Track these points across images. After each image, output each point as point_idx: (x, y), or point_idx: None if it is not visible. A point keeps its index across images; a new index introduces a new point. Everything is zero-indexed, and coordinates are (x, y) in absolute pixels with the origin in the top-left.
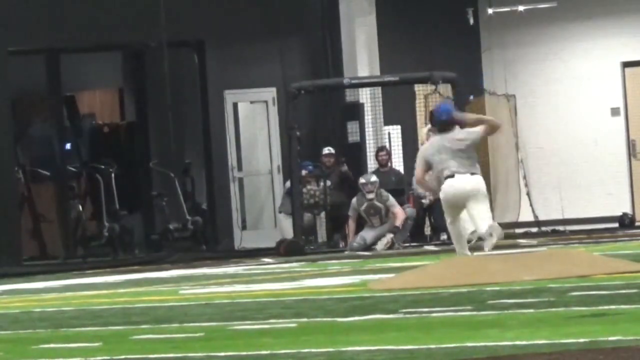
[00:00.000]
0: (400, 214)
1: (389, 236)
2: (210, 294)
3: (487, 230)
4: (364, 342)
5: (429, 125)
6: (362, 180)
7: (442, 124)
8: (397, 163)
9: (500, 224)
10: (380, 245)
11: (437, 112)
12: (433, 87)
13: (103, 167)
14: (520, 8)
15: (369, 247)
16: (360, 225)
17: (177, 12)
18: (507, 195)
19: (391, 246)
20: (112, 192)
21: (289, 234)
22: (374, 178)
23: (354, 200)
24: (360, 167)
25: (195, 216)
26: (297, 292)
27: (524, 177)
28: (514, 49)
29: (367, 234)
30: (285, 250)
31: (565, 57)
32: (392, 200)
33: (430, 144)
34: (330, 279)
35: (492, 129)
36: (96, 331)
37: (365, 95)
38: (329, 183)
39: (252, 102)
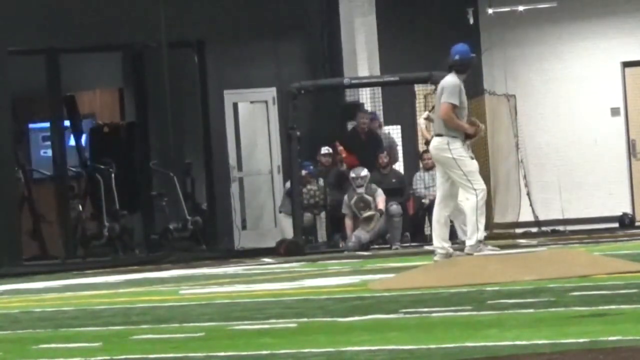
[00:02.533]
0: (381, 201)
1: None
2: (210, 294)
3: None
4: (364, 342)
5: (426, 113)
6: (352, 174)
7: (456, 64)
8: (397, 163)
9: (500, 224)
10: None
11: (454, 50)
12: (433, 87)
13: (103, 167)
14: (520, 8)
15: (364, 246)
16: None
17: (177, 12)
18: (507, 195)
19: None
20: (112, 192)
21: (289, 234)
22: (364, 172)
23: (346, 196)
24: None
25: (195, 216)
26: (297, 292)
27: (524, 177)
28: (514, 49)
29: (362, 234)
30: (285, 250)
31: (565, 57)
32: (379, 191)
33: (459, 83)
34: (330, 279)
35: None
36: (96, 331)
37: (365, 95)
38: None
39: (252, 102)
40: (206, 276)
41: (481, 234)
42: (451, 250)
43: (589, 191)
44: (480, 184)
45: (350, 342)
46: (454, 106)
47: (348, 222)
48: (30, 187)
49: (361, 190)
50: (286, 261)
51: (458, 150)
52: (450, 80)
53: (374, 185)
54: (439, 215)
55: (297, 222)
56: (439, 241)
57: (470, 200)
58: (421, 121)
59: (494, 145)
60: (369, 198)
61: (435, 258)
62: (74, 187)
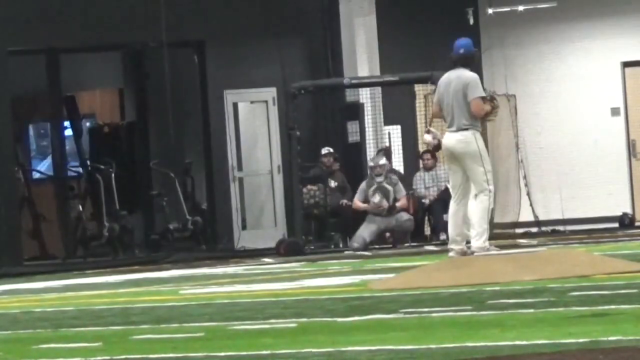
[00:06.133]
0: (404, 201)
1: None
2: (210, 294)
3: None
4: (364, 342)
5: (429, 131)
6: (371, 163)
7: (461, 58)
8: (397, 163)
9: (500, 224)
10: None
11: (458, 44)
12: (433, 87)
13: (103, 167)
14: (520, 8)
15: (368, 246)
16: (361, 220)
17: (177, 12)
18: (507, 195)
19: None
20: (112, 192)
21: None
22: (382, 160)
23: (363, 183)
24: (361, 168)
25: (195, 216)
26: (297, 292)
27: (524, 177)
28: (514, 49)
29: (365, 232)
30: (285, 250)
31: (565, 57)
32: (400, 185)
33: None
34: (330, 279)
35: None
36: (96, 331)
37: (365, 95)
38: (333, 184)
39: (252, 102)
40: (206, 276)
41: (487, 234)
42: (466, 248)
43: (589, 191)
44: (492, 186)
45: (350, 342)
46: (483, 99)
47: (359, 205)
48: (30, 187)
49: (380, 179)
50: (286, 261)
51: (483, 145)
52: (469, 74)
53: (394, 177)
54: (457, 213)
55: (297, 222)
56: (455, 238)
57: (484, 202)
58: (427, 138)
59: (494, 145)
60: (389, 188)
61: (451, 254)
62: (74, 187)
